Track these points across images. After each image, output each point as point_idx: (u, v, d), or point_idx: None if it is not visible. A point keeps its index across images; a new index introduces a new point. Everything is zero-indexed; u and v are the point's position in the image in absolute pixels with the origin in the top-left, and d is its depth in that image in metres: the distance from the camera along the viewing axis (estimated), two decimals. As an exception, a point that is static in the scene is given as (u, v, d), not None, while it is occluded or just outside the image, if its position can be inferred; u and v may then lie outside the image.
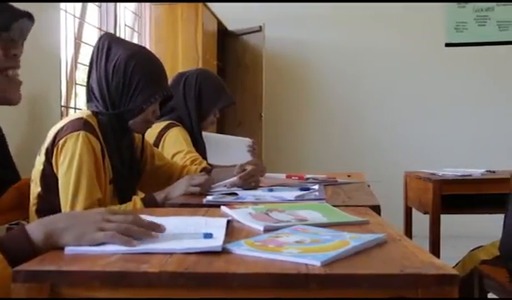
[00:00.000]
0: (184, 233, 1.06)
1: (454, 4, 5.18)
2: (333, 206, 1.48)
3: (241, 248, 0.96)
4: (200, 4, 4.26)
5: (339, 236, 1.04)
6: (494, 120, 5.21)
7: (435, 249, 2.68)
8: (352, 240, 0.99)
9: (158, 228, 1.03)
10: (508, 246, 2.06)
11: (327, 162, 5.05)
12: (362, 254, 0.94)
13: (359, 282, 0.83)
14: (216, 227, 1.12)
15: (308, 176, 2.31)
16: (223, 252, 0.95)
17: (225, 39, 5.22)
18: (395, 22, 5.27)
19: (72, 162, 1.69)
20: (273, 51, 5.25)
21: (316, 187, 1.96)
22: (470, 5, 5.17)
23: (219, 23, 4.90)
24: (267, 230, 1.14)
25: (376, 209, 1.53)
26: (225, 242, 0.99)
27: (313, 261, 0.86)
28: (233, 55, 5.25)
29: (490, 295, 2.33)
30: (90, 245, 0.95)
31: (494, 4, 5.14)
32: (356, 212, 1.39)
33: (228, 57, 5.28)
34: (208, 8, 4.50)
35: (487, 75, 5.21)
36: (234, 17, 5.16)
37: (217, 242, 0.98)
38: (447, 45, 5.22)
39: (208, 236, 1.01)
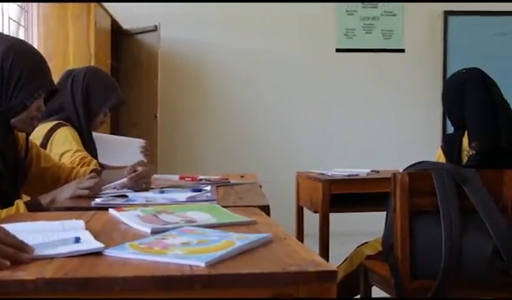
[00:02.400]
0: (55, 240, 1.00)
1: (344, 12, 5.42)
2: (224, 206, 1.49)
3: (125, 251, 0.94)
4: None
5: (226, 236, 1.05)
6: (379, 122, 5.50)
7: (324, 246, 2.78)
8: (238, 240, 1.01)
9: (25, 249, 0.93)
10: (388, 241, 2.19)
11: (222, 163, 5.08)
12: (247, 254, 0.96)
13: (243, 281, 0.84)
14: (76, 229, 1.09)
15: (201, 177, 2.31)
16: (106, 255, 0.93)
17: (120, 38, 5.09)
18: (290, 27, 5.42)
19: None
20: (169, 51, 5.21)
21: (208, 188, 1.96)
22: (358, 13, 5.43)
23: (114, 21, 4.78)
24: (154, 232, 1.13)
25: (265, 209, 1.57)
26: (110, 245, 0.97)
27: (197, 262, 0.87)
28: (128, 54, 5.14)
29: (375, 288, 2.45)
30: None
31: (379, 14, 5.44)
32: (245, 212, 1.42)
33: (123, 56, 5.16)
34: (102, 6, 4.37)
35: (373, 80, 5.49)
36: (129, 16, 5.05)
37: (96, 243, 0.96)
38: (337, 50, 5.45)
39: (77, 240, 0.98)
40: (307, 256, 0.95)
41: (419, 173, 2.15)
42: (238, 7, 5.32)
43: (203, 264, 0.86)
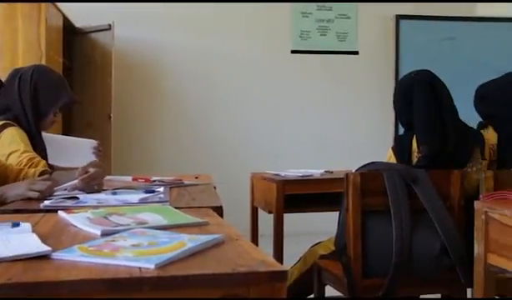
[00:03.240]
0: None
1: (299, 14, 5.47)
2: (177, 208, 1.48)
3: (74, 254, 0.92)
4: (43, -2, 4.03)
5: (177, 238, 1.05)
6: (334, 123, 5.58)
7: (279, 247, 2.80)
8: (189, 241, 1.00)
9: None
10: (341, 241, 2.22)
11: (177, 164, 5.04)
12: (198, 255, 0.96)
13: (192, 282, 0.84)
14: (22, 232, 1.07)
15: (154, 178, 2.29)
16: (54, 259, 0.91)
17: (73, 36, 4.99)
18: (247, 27, 5.43)
19: None
20: (124, 50, 5.14)
21: (161, 189, 1.95)
22: (313, 16, 5.49)
23: (66, 20, 4.68)
24: (104, 234, 1.11)
25: (218, 210, 1.57)
26: (58, 248, 0.95)
27: (147, 264, 0.86)
28: (81, 53, 5.04)
29: (328, 287, 2.48)
30: None
31: (333, 17, 5.51)
32: (198, 213, 1.41)
33: (77, 55, 5.05)
34: (54, 4, 4.27)
35: (328, 81, 5.56)
36: (83, 15, 4.95)
37: (43, 247, 0.94)
38: (293, 52, 5.49)
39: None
40: (258, 256, 0.95)
41: (371, 174, 2.20)
42: (194, 7, 5.29)
43: (152, 266, 0.85)
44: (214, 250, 1.00)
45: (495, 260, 1.57)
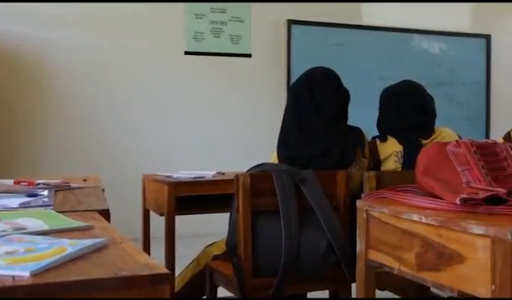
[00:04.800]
0: None
1: (193, 15, 5.46)
2: (61, 212, 1.43)
3: None
4: None
5: (57, 243, 1.01)
6: (226, 125, 5.62)
7: (171, 249, 2.77)
8: (69, 246, 0.97)
9: None
10: (232, 241, 2.24)
11: (65, 166, 4.83)
12: (79, 260, 0.93)
13: (71, 288, 0.81)
14: None
15: (38, 181, 2.19)
16: None
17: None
18: (140, 27, 5.33)
19: None
20: (8, 48, 4.85)
21: (45, 192, 1.87)
22: (207, 17, 5.50)
23: None
24: (-23, 242, 1.04)
25: (105, 213, 1.53)
26: None
27: (21, 272, 0.82)
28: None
29: (221, 288, 2.50)
30: None
31: (227, 19, 5.56)
32: (83, 217, 1.37)
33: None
34: None
35: (221, 83, 5.59)
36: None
37: None
38: (186, 53, 5.47)
39: None
40: (141, 260, 0.94)
41: (261, 174, 2.24)
42: (87, 6, 5.11)
43: (27, 274, 0.81)
44: (96, 254, 0.98)
45: (375, 256, 1.65)
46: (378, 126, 2.67)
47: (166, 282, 0.86)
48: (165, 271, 0.87)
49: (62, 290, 0.81)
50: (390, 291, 2.68)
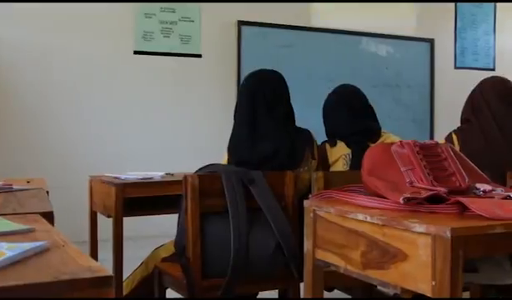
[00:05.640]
0: None
1: (142, 14, 5.39)
2: (2, 214, 1.39)
3: None
4: None
5: (-4, 247, 0.98)
6: (176, 125, 5.57)
7: (118, 251, 2.73)
8: (8, 251, 0.94)
9: None
10: (181, 243, 2.23)
11: (10, 167, 4.68)
12: (18, 264, 0.91)
13: (8, 294, 0.79)
14: None
15: (-22, 183, 2.11)
16: None
17: None
18: (88, 26, 5.22)
19: None
20: None
21: (-15, 195, 1.80)
22: (156, 17, 5.44)
23: None
24: None
25: (49, 216, 1.49)
26: None
27: (-45, 277, 0.79)
28: None
29: (170, 290, 2.48)
30: None
31: (177, 19, 5.52)
32: (25, 220, 1.34)
33: None
34: None
35: (171, 83, 5.54)
36: None
37: None
38: (135, 52, 5.39)
39: None
40: (84, 263, 0.92)
41: (209, 175, 2.23)
42: (34, 4, 4.96)
43: (-39, 279, 0.79)
44: (37, 258, 0.95)
45: (322, 255, 1.67)
46: (327, 130, 2.72)
47: (109, 284, 0.85)
48: (108, 273, 0.86)
49: (0, 295, 0.78)
50: (339, 290, 2.72)
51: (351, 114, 2.64)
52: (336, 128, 2.66)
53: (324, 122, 2.75)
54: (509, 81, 2.64)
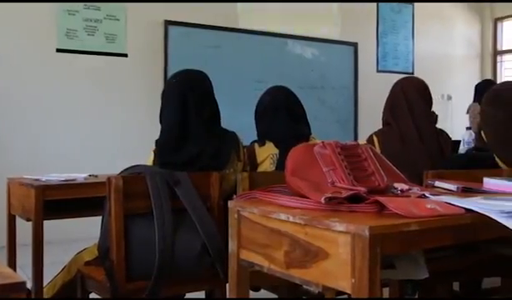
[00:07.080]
0: None
1: (65, 11, 5.23)
2: None
3: None
4: None
5: None
6: (101, 125, 5.44)
7: (38, 256, 2.63)
8: None
9: None
10: (104, 245, 2.18)
11: None
12: None
13: None
14: None
15: None
16: None
17: None
18: (6, 24, 5.01)
19: None
20: None
21: None
22: (80, 14, 5.29)
23: None
24: None
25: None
26: None
27: None
28: None
29: (93, 295, 2.42)
30: None
31: (102, 17, 5.39)
32: None
33: None
34: None
35: (96, 82, 5.41)
36: None
37: None
38: (58, 50, 5.22)
39: None
40: (-5, 268, 0.88)
41: (134, 177, 2.20)
42: None
43: None
44: None
45: (246, 255, 1.68)
46: (260, 131, 2.75)
47: (21, 291, 0.82)
48: (20, 279, 0.83)
49: None
50: (265, 289, 2.75)
51: (287, 119, 2.68)
52: (269, 131, 2.70)
53: (257, 124, 2.77)
54: (424, 81, 2.82)
